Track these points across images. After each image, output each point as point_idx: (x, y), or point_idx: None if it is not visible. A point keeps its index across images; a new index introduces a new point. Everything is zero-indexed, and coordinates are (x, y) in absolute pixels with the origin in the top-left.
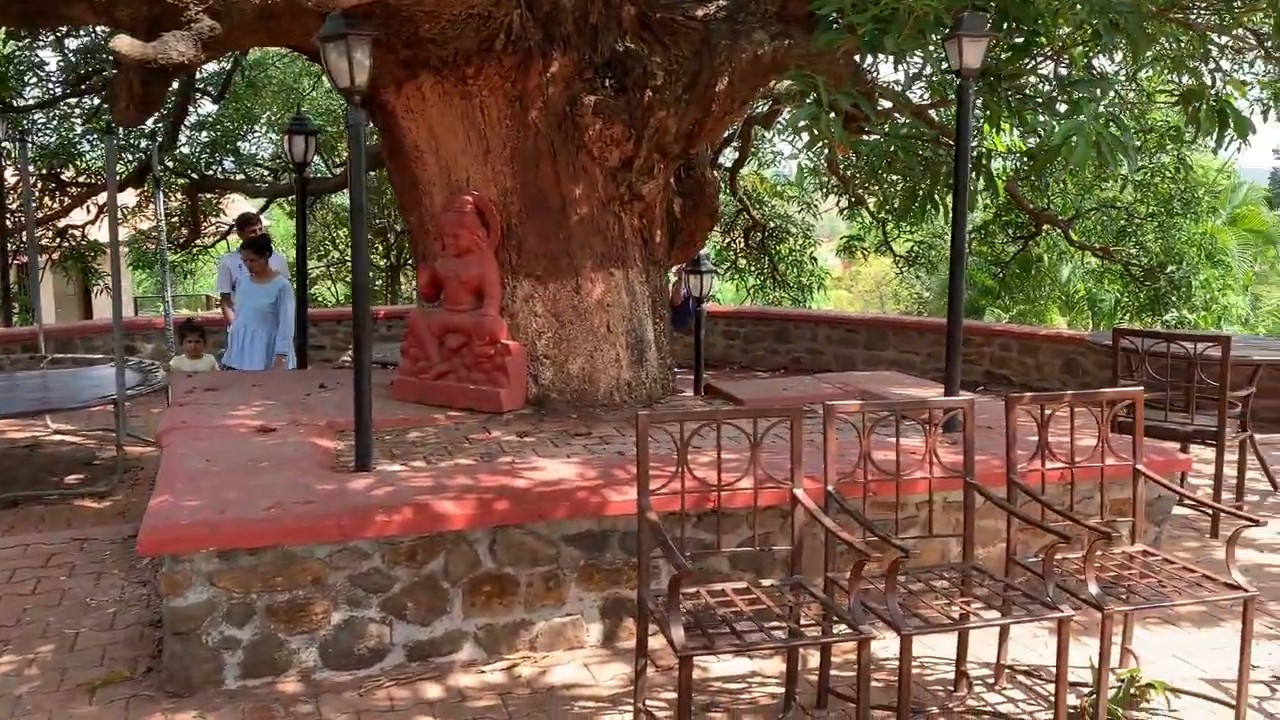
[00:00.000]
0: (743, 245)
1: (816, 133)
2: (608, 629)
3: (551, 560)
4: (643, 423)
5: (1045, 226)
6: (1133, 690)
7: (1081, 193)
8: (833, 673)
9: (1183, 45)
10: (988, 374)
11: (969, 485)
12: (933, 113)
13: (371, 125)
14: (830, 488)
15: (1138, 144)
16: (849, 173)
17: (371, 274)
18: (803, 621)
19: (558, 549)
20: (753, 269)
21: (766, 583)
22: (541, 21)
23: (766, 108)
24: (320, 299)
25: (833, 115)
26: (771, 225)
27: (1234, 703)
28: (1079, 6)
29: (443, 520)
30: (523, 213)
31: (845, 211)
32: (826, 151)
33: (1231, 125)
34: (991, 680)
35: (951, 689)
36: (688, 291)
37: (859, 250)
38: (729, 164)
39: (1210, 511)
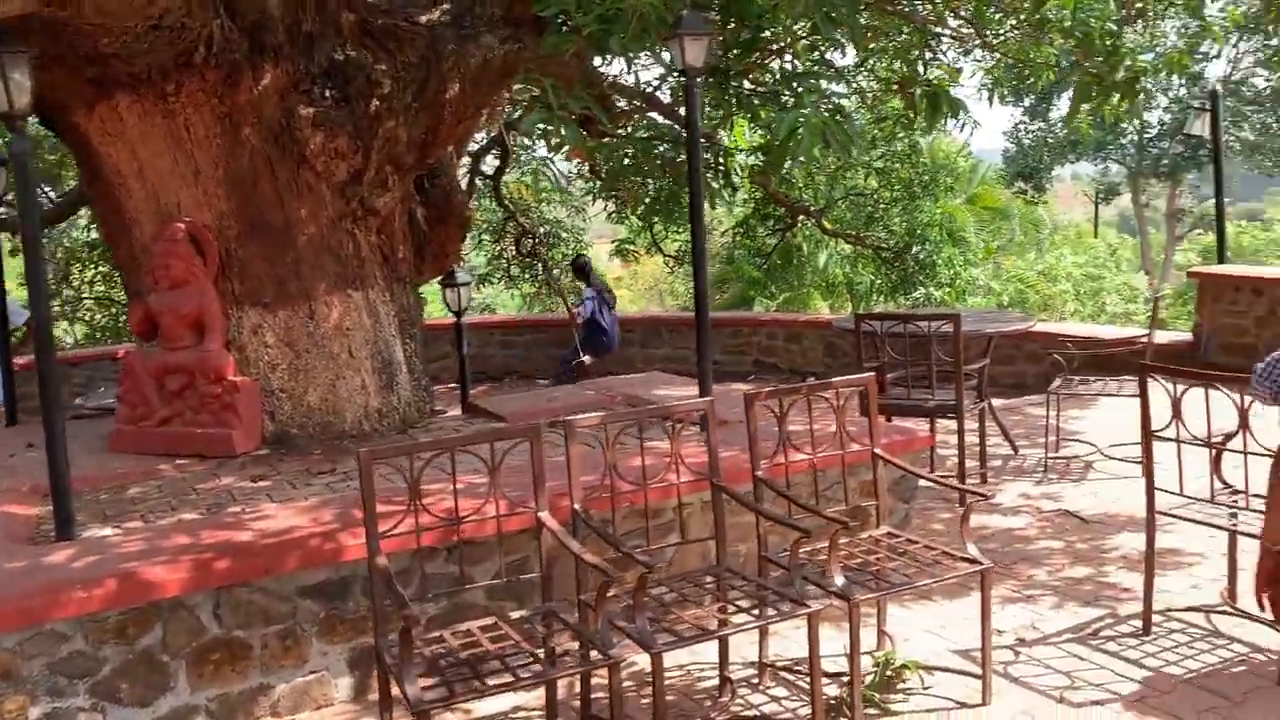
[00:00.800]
0: (514, 253)
1: (557, 138)
2: (358, 682)
3: (287, 617)
4: (365, 460)
5: (800, 217)
6: (888, 673)
7: (831, 183)
8: (600, 696)
9: (905, 37)
10: (757, 363)
11: (715, 486)
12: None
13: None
14: (577, 506)
15: (876, 132)
16: (604, 176)
17: (114, 309)
18: (558, 651)
19: (293, 604)
20: (527, 277)
21: (515, 615)
22: (247, 31)
23: (520, 113)
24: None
25: (568, 118)
26: (542, 231)
27: (980, 673)
28: (797, 2)
29: (154, 588)
30: (243, 236)
31: (613, 215)
32: (566, 155)
33: (945, 108)
34: (756, 680)
35: (717, 695)
36: (590, 308)
37: (630, 252)
38: (491, 171)
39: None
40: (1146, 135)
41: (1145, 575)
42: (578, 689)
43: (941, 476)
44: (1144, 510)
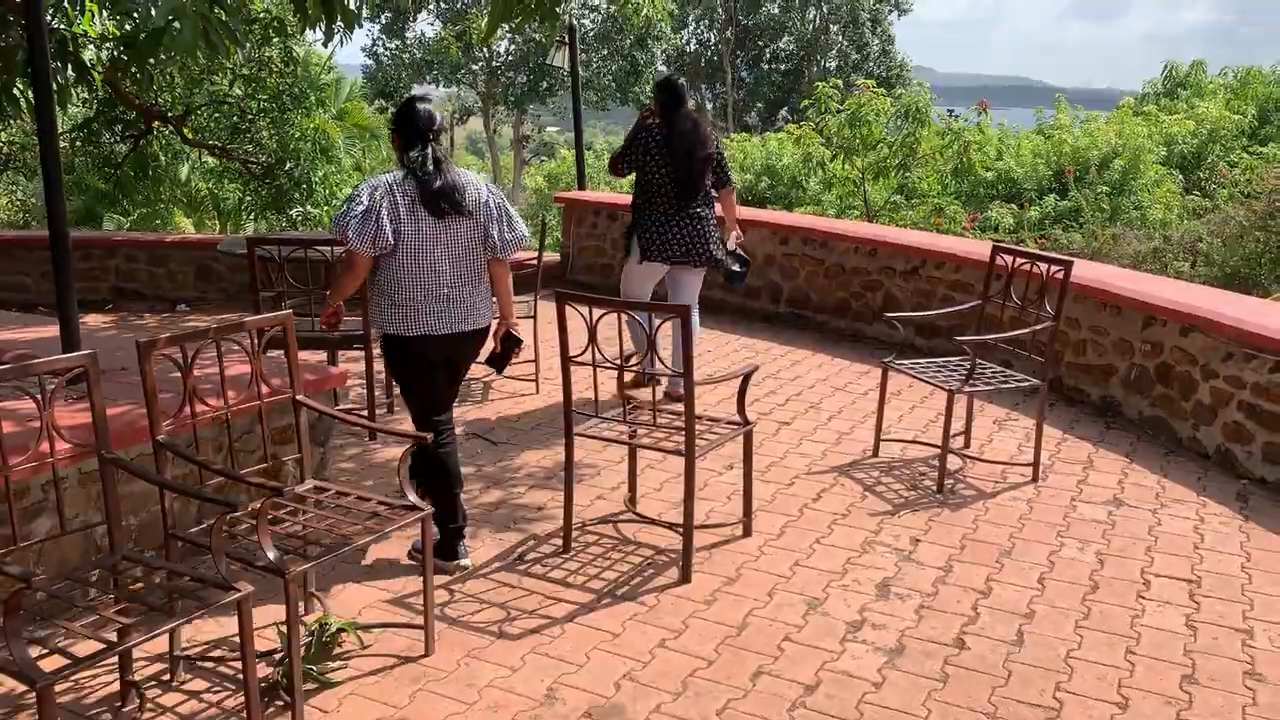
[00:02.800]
0: None
1: None
2: None
3: None
4: None
5: (156, 124)
6: (324, 640)
7: (191, 88)
8: None
9: None
10: (117, 290)
11: (105, 458)
12: None
13: None
14: None
15: (239, 35)
16: None
17: None
18: None
19: None
20: None
21: None
22: None
23: None
24: None
25: None
26: None
27: (421, 622)
28: None
29: None
30: None
31: None
32: None
33: (339, 16)
34: (168, 677)
35: (119, 706)
36: None
37: None
38: None
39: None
40: (496, 64)
41: (565, 496)
42: None
43: (347, 411)
44: (543, 426)
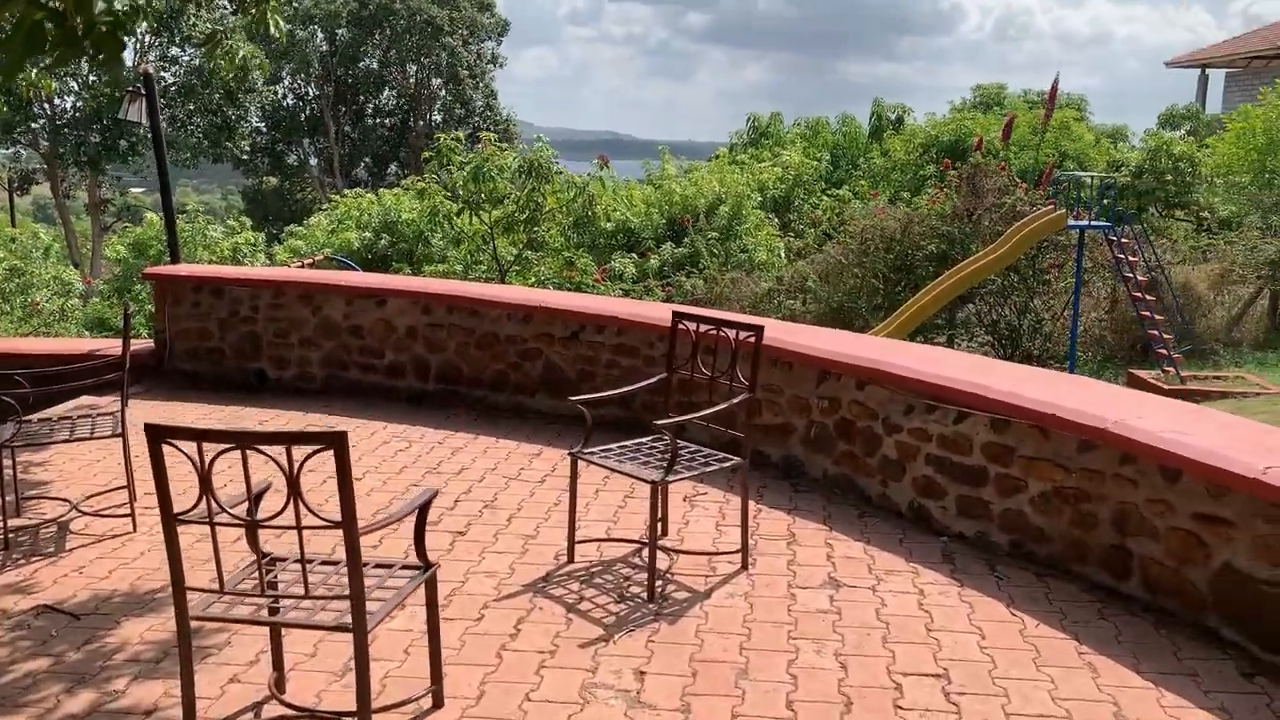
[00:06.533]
0: None
1: None
2: None
3: None
4: None
5: None
6: None
7: None
8: None
9: None
10: None
11: None
12: None
13: None
14: None
15: None
16: None
17: None
18: None
19: None
20: None
21: None
22: None
23: None
24: None
25: None
26: None
27: None
28: None
29: None
30: None
31: None
32: None
33: None
34: None
35: None
36: None
37: None
38: None
39: None
40: (61, 120)
41: (183, 694)
42: None
43: None
44: (146, 579)
